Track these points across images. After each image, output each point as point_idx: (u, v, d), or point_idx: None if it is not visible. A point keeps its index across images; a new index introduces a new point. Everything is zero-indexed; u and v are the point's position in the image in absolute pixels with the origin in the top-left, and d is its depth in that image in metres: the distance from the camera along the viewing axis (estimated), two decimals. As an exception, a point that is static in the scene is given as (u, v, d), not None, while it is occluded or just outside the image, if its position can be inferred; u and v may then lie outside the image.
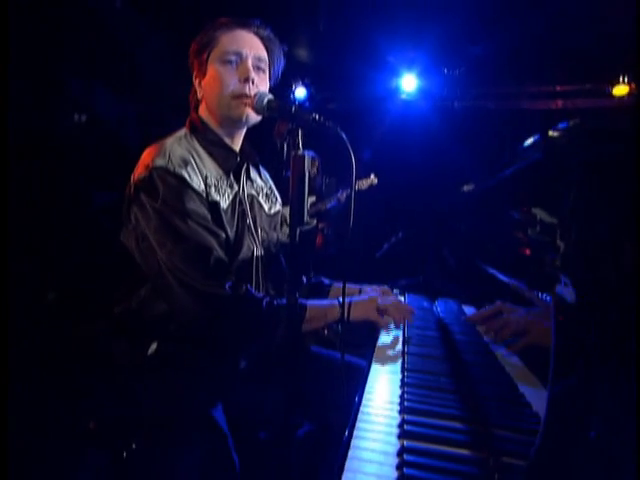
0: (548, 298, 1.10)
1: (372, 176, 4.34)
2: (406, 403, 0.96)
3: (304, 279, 1.80)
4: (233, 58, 1.43)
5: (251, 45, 1.45)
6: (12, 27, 2.65)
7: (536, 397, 1.04)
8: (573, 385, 0.67)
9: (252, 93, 1.37)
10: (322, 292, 1.79)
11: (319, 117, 1.19)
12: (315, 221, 4.36)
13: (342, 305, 1.31)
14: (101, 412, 1.47)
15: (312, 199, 4.38)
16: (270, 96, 1.31)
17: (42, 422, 1.92)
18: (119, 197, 1.48)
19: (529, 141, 1.00)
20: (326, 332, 3.22)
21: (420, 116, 4.95)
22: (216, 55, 1.44)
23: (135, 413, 1.36)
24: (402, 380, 1.10)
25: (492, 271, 1.66)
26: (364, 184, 4.33)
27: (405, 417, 0.90)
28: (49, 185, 3.04)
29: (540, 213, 1.53)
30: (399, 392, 1.04)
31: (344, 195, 4.32)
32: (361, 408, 0.96)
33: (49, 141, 3.16)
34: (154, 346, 1.37)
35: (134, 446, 1.34)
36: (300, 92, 4.74)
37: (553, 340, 0.73)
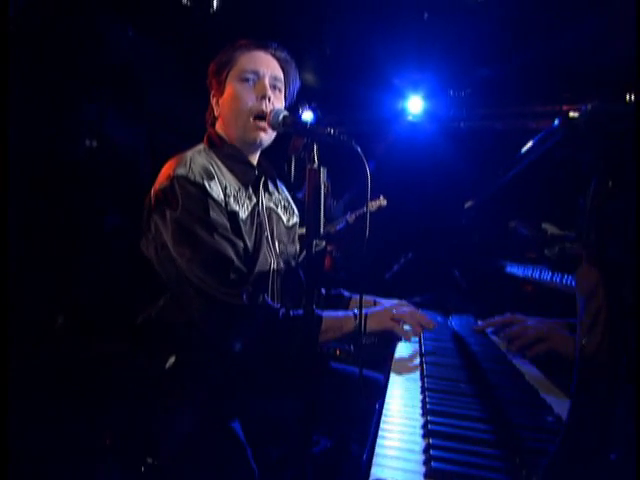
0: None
1: (381, 197, 4.38)
2: (428, 406, 0.99)
3: (323, 291, 1.83)
4: (251, 76, 1.50)
5: (268, 65, 1.53)
6: (24, 53, 2.77)
7: (557, 403, 1.06)
8: (595, 405, 0.67)
9: (268, 110, 1.43)
10: (341, 304, 1.83)
11: (334, 131, 1.25)
12: (324, 243, 4.39)
13: (359, 316, 1.34)
14: (118, 427, 1.49)
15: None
16: (285, 112, 1.37)
17: (59, 438, 1.93)
18: (130, 220, 1.54)
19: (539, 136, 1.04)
20: (338, 352, 3.23)
21: (427, 137, 5.03)
22: (234, 74, 1.52)
23: (153, 426, 1.38)
24: (422, 386, 1.13)
25: (511, 268, 1.68)
26: (373, 206, 4.35)
27: (429, 418, 0.92)
28: (60, 209, 3.12)
29: (550, 228, 1.55)
30: (420, 397, 1.07)
31: (353, 217, 4.35)
32: (384, 411, 0.98)
33: (60, 166, 3.25)
34: (172, 359, 1.40)
35: (150, 460, 1.36)
36: (307, 116, 4.84)
37: (577, 354, 0.72)
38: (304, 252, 1.68)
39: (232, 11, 3.39)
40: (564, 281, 1.19)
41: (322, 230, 1.28)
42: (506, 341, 1.47)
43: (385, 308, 1.52)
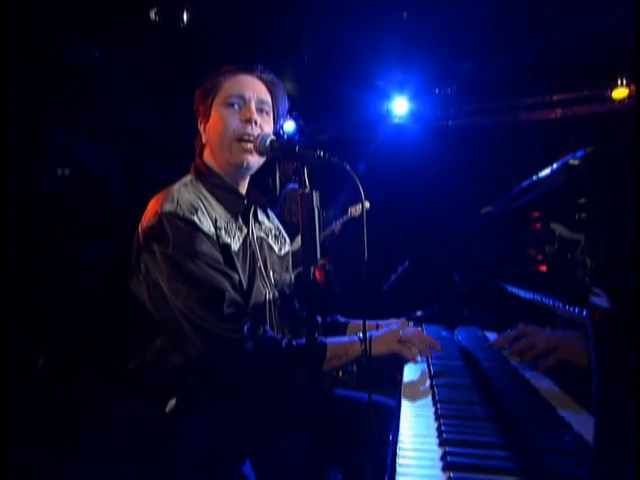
0: (576, 310, 1.16)
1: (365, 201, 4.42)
2: (445, 435, 1.01)
3: (318, 319, 1.85)
4: (236, 101, 1.54)
5: (254, 88, 1.57)
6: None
7: (574, 418, 1.08)
8: (620, 407, 0.69)
9: (255, 133, 1.47)
10: (338, 331, 1.85)
11: (324, 154, 1.28)
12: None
13: (364, 340, 1.36)
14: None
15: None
16: (272, 137, 1.41)
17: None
18: (111, 251, 1.55)
19: (546, 171, 1.07)
20: (340, 374, 3.26)
21: (415, 138, 5.09)
22: (220, 100, 1.55)
23: (157, 474, 1.38)
24: (436, 413, 1.15)
25: (513, 289, 1.72)
26: (357, 210, 4.41)
27: (446, 449, 0.94)
28: (36, 243, 3.10)
29: (559, 229, 1.59)
30: (435, 425, 1.09)
31: (339, 226, 4.40)
32: (399, 444, 1.00)
33: (33, 198, 3.24)
34: (173, 402, 1.41)
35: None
36: (289, 125, 4.88)
37: (593, 360, 0.75)
38: (299, 268, 1.71)
39: (203, 24, 3.42)
40: (567, 308, 1.23)
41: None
42: (517, 354, 1.50)
43: (391, 330, 1.55)
